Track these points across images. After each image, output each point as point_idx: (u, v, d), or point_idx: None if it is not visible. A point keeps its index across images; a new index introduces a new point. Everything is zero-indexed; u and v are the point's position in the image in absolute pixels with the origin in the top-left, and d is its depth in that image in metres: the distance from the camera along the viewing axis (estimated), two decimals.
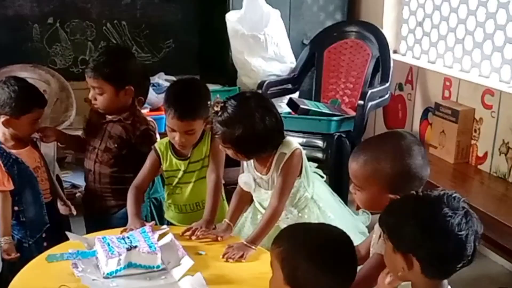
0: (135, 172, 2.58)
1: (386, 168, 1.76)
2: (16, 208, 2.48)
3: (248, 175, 2.40)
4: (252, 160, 2.38)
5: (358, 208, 1.94)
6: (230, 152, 2.29)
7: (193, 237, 2.26)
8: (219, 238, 2.27)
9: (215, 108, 2.24)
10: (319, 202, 2.46)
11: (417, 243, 1.44)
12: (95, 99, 2.58)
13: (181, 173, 2.52)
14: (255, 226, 2.36)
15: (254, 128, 2.21)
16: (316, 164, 2.61)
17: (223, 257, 2.15)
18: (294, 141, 2.38)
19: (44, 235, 2.56)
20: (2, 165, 2.42)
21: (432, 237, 1.43)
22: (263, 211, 2.42)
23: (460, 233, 1.43)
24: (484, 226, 2.80)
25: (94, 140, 2.67)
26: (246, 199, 2.49)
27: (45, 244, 2.50)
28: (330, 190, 2.65)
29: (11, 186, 2.43)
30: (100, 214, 2.70)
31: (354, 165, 1.82)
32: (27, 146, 2.60)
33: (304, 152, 2.37)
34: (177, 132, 2.39)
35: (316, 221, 2.32)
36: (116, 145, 2.60)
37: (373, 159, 1.78)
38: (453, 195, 1.48)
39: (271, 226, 2.27)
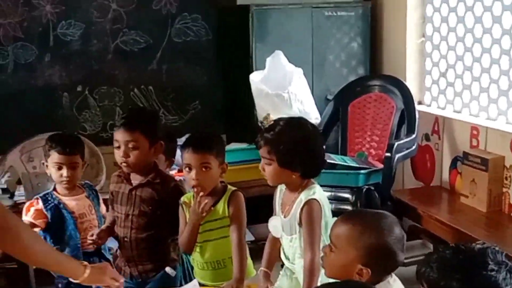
0: (170, 232, 2.62)
1: (370, 239, 1.77)
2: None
3: (277, 218, 2.41)
4: (281, 198, 2.39)
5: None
6: (268, 170, 2.29)
7: None
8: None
9: (265, 124, 2.30)
10: None
11: None
12: (127, 156, 2.55)
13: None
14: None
15: (304, 138, 2.27)
16: None
17: None
18: (319, 190, 2.35)
19: None
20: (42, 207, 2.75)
21: None
22: (284, 259, 2.42)
23: None
24: None
25: (125, 208, 2.65)
26: (278, 246, 2.47)
27: None
28: None
29: (40, 225, 2.72)
30: (140, 278, 2.67)
31: (342, 225, 1.84)
32: (80, 194, 2.86)
33: (327, 207, 2.34)
34: (193, 170, 2.42)
35: None
36: (150, 208, 2.59)
37: (361, 226, 1.80)
38: (496, 249, 1.45)
39: (314, 281, 2.21)
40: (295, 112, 4.11)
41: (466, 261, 1.42)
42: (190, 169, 2.45)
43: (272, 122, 2.33)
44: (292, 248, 2.36)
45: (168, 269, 2.61)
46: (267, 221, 2.66)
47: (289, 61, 4.17)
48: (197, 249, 2.55)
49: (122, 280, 2.20)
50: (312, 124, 2.42)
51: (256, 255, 3.31)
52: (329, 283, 1.53)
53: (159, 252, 2.62)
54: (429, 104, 4.41)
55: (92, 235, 2.67)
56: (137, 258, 2.64)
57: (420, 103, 4.38)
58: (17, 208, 3.41)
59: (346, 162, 3.85)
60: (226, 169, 2.54)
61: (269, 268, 2.38)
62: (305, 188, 2.31)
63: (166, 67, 4.71)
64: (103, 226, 2.77)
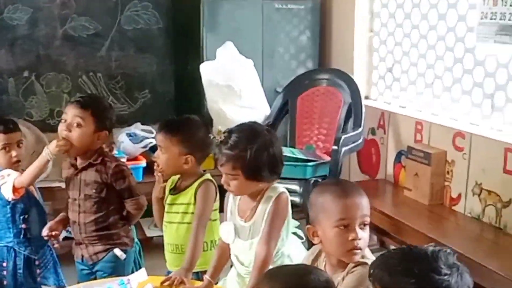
0: (119, 213, 2.70)
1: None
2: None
3: (229, 223, 2.37)
4: (237, 204, 2.37)
5: None
6: (234, 184, 2.26)
7: None
8: None
9: (219, 138, 2.26)
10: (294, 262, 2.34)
11: None
12: (69, 130, 2.61)
13: (167, 207, 2.59)
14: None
15: (266, 146, 2.24)
16: (298, 223, 2.56)
17: None
18: (281, 187, 2.36)
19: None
20: None
21: None
22: (238, 265, 2.39)
23: None
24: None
25: (71, 192, 2.74)
26: (228, 254, 2.44)
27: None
28: None
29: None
30: (91, 261, 2.74)
31: (364, 199, 1.91)
32: None
33: (289, 199, 2.35)
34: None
35: None
36: (94, 190, 2.67)
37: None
38: (448, 251, 1.48)
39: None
40: (244, 103, 4.14)
41: (419, 266, 1.43)
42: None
43: (226, 134, 2.27)
44: (252, 252, 2.30)
45: (116, 251, 2.69)
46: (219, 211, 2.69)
47: (240, 53, 4.18)
48: (164, 228, 2.63)
49: None
50: (266, 128, 2.40)
51: None
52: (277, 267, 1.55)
53: (109, 235, 2.70)
54: (375, 98, 4.49)
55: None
56: (87, 241, 2.71)
57: (367, 97, 4.46)
58: None
59: (294, 154, 3.90)
60: (189, 162, 2.55)
61: (214, 277, 2.34)
62: (266, 191, 2.31)
63: (116, 55, 4.67)
64: (57, 218, 2.79)
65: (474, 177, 3.46)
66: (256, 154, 2.21)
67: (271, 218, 2.27)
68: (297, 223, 2.54)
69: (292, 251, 2.42)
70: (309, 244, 2.56)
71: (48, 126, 4.42)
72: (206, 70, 4.12)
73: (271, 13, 4.48)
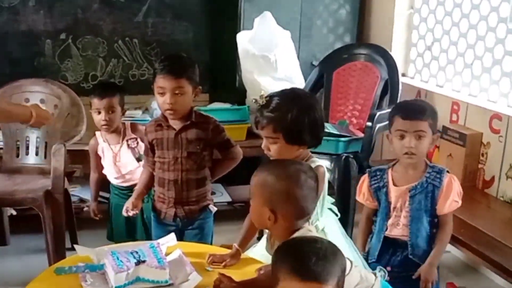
0: (212, 170, 2.83)
1: (272, 184, 1.88)
2: None
3: None
4: None
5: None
6: (274, 148, 2.26)
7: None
8: (224, 263, 2.23)
9: (261, 102, 2.26)
10: (329, 238, 2.26)
11: None
12: (174, 102, 2.63)
13: None
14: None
15: (307, 109, 2.23)
16: (333, 200, 2.55)
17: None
18: (321, 161, 2.34)
19: None
20: None
21: None
22: None
23: None
24: (490, 249, 2.82)
25: (172, 152, 2.75)
26: None
27: None
28: (343, 232, 2.59)
29: None
30: (186, 218, 2.79)
31: (254, 175, 1.96)
32: None
33: (327, 175, 2.32)
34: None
35: None
36: (198, 147, 2.73)
37: (266, 173, 1.91)
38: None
39: None
40: (279, 75, 4.11)
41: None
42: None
43: (267, 98, 2.26)
44: None
45: (211, 207, 2.82)
46: (244, 183, 2.68)
47: (277, 23, 4.14)
48: None
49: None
50: (307, 92, 2.42)
51: (232, 217, 3.35)
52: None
53: (204, 193, 2.80)
54: (412, 76, 4.43)
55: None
56: (185, 199, 2.77)
57: (404, 75, 4.40)
58: None
59: (327, 128, 3.85)
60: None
61: (242, 246, 2.32)
62: (307, 161, 2.27)
63: (152, 21, 4.66)
64: (134, 195, 2.83)
65: (509, 160, 3.41)
66: (297, 117, 2.20)
67: None
68: (332, 199, 2.53)
69: (327, 226, 2.40)
70: (336, 203, 2.58)
71: (82, 90, 4.44)
72: (243, 39, 4.10)
73: None
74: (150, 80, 4.54)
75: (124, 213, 2.76)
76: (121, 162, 3.23)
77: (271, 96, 2.28)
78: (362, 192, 2.70)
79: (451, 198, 2.52)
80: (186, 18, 4.72)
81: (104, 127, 3.19)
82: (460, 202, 2.55)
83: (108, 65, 4.63)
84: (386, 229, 2.61)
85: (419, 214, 2.54)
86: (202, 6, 4.74)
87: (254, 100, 2.33)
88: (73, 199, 3.87)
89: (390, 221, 2.60)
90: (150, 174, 2.86)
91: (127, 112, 3.85)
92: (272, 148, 2.27)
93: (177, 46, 4.73)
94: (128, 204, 2.77)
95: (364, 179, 2.70)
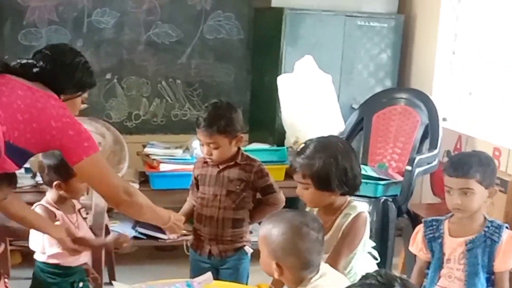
0: (252, 213, 2.84)
1: (275, 237, 1.89)
2: None
3: None
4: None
5: None
6: (305, 193, 2.29)
7: None
8: None
9: (295, 148, 2.31)
10: None
11: None
12: (211, 154, 2.72)
13: None
14: None
15: (336, 156, 2.25)
16: (374, 244, 2.51)
17: None
18: (362, 206, 2.35)
19: None
20: None
21: None
22: None
23: None
24: None
25: (213, 188, 2.80)
26: None
27: None
28: None
29: None
30: (219, 257, 2.81)
31: (261, 225, 1.99)
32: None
33: (369, 221, 2.32)
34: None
35: None
36: (238, 187, 2.76)
37: (271, 225, 1.93)
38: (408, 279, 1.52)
39: None
40: (319, 118, 4.13)
41: None
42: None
43: (303, 145, 2.32)
44: None
45: (247, 248, 2.83)
46: None
47: (319, 67, 4.18)
48: None
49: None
50: (342, 141, 2.41)
51: None
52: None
53: (240, 234, 2.81)
54: (453, 121, 4.40)
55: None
56: (220, 237, 2.79)
57: (444, 119, 4.38)
58: (37, 188, 3.48)
59: (366, 171, 3.85)
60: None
61: (277, 286, 2.23)
62: (345, 208, 2.30)
63: (196, 63, 4.76)
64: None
65: None
66: (325, 163, 2.23)
67: (346, 233, 2.26)
68: (373, 243, 2.51)
69: (365, 270, 2.37)
70: (381, 266, 2.53)
71: (126, 128, 4.55)
72: (284, 82, 4.15)
73: (353, 29, 4.47)
74: (191, 120, 4.65)
75: (171, 236, 2.84)
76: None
77: (306, 143, 2.33)
78: (416, 242, 2.60)
79: (509, 255, 2.42)
80: (228, 60, 4.81)
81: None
82: None
83: (151, 104, 4.73)
84: (438, 280, 2.52)
85: (476, 269, 2.44)
86: (245, 49, 4.83)
87: (289, 147, 2.37)
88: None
89: (442, 272, 2.50)
90: (191, 206, 2.90)
91: (167, 151, 3.92)
92: (304, 193, 2.30)
93: (219, 87, 4.82)
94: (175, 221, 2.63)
95: (419, 229, 2.60)
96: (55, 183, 2.57)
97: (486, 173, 2.43)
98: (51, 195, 2.61)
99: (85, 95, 2.43)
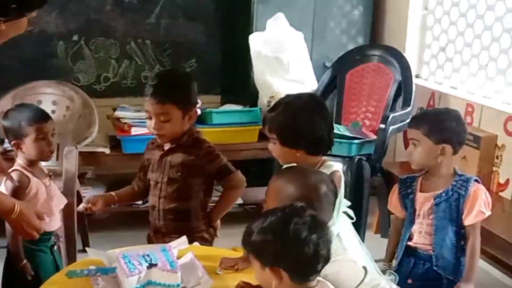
0: (202, 204, 2.56)
1: (290, 189, 1.87)
2: None
3: None
4: None
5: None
6: (272, 148, 2.26)
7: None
8: (236, 267, 2.19)
9: (270, 105, 2.29)
10: (344, 244, 2.19)
11: (280, 256, 1.58)
12: (160, 128, 2.43)
13: None
14: None
15: (298, 115, 2.21)
16: (349, 203, 2.48)
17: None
18: (336, 165, 2.32)
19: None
20: None
21: (290, 246, 1.57)
22: None
23: (312, 236, 1.58)
24: (504, 253, 2.78)
25: (155, 174, 2.55)
26: None
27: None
28: (358, 238, 2.54)
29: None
30: None
31: (271, 180, 1.96)
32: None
33: (343, 179, 2.29)
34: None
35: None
36: (179, 174, 2.49)
37: (286, 179, 1.91)
38: (299, 206, 1.64)
39: None
40: (292, 77, 4.09)
41: (276, 222, 1.61)
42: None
43: (276, 101, 2.30)
44: None
45: (196, 244, 2.41)
46: (256, 185, 2.66)
47: (290, 25, 4.13)
48: None
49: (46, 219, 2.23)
50: (314, 98, 2.38)
51: (244, 219, 3.30)
52: None
53: (188, 226, 2.49)
54: (426, 78, 4.39)
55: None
56: (164, 230, 2.53)
57: (417, 76, 4.37)
58: (5, 155, 3.40)
59: (340, 130, 3.84)
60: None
61: None
62: (320, 167, 2.25)
63: (165, 22, 4.65)
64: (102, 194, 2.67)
65: None
66: (287, 118, 2.21)
67: None
68: (348, 203, 2.50)
69: (342, 231, 2.36)
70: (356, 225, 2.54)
71: (95, 91, 4.46)
72: (255, 41, 4.08)
73: None
74: None
75: (81, 208, 2.50)
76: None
77: (281, 99, 2.32)
78: (393, 201, 2.64)
79: (476, 208, 2.43)
80: (198, 19, 4.71)
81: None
82: (487, 212, 2.45)
83: (120, 66, 4.63)
84: (410, 237, 2.55)
85: (444, 223, 2.46)
86: (215, 8, 4.73)
87: (262, 108, 2.34)
88: None
89: (413, 228, 2.53)
90: (131, 190, 2.67)
91: (138, 114, 3.86)
92: (272, 148, 2.27)
93: (189, 47, 4.73)
94: (88, 198, 2.53)
95: (395, 187, 2.63)
96: (13, 142, 2.48)
97: (436, 127, 2.45)
98: (21, 158, 2.51)
99: (34, 13, 1.94)
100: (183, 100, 2.44)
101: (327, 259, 1.62)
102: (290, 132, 2.22)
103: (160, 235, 2.55)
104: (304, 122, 2.23)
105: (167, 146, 2.52)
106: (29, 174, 2.48)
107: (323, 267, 1.62)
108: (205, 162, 2.49)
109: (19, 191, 2.40)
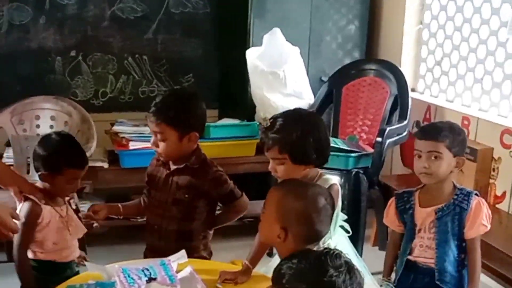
0: (203, 226, 2.52)
1: (290, 202, 1.88)
2: None
3: None
4: None
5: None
6: (281, 169, 2.24)
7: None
8: (235, 281, 2.19)
9: (265, 124, 2.25)
10: None
11: None
12: (157, 146, 2.43)
13: None
14: None
15: (311, 129, 2.23)
16: (345, 217, 2.51)
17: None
18: (334, 178, 2.33)
19: None
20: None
21: None
22: None
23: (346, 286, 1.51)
24: (502, 265, 2.78)
25: (159, 194, 2.52)
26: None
27: None
28: (354, 250, 2.56)
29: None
30: None
31: (272, 190, 1.96)
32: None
33: (340, 193, 2.30)
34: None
35: None
36: (186, 195, 2.45)
37: (285, 191, 1.92)
38: (336, 253, 1.56)
39: None
40: (289, 91, 4.11)
41: (308, 270, 1.53)
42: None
43: (271, 120, 2.26)
44: None
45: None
46: (254, 199, 2.66)
47: (287, 40, 4.15)
48: None
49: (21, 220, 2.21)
50: (310, 112, 2.41)
51: (241, 233, 3.31)
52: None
53: (189, 247, 2.42)
54: (422, 91, 4.42)
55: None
56: (163, 249, 2.40)
57: (413, 90, 4.40)
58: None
59: (337, 144, 3.85)
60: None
61: (253, 263, 2.28)
62: (317, 181, 2.27)
63: (162, 38, 4.67)
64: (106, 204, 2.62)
65: None
66: (302, 136, 2.21)
67: None
68: (345, 216, 2.51)
69: (338, 244, 2.37)
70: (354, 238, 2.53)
71: (93, 106, 4.47)
72: (252, 56, 4.11)
73: (320, 1, 4.43)
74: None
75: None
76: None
77: (274, 118, 2.28)
78: (389, 215, 2.63)
79: (478, 222, 2.44)
80: (195, 34, 4.73)
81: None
82: (488, 226, 2.46)
83: (118, 82, 4.65)
84: (410, 252, 2.54)
85: (446, 237, 2.46)
86: (212, 23, 4.75)
87: (258, 124, 2.32)
88: (83, 214, 3.86)
89: (414, 242, 2.52)
90: (138, 205, 2.66)
91: (136, 129, 3.87)
92: (279, 169, 2.26)
93: (187, 62, 4.75)
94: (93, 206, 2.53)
95: (391, 202, 2.62)
96: (39, 172, 2.41)
97: (455, 140, 2.45)
98: (40, 184, 2.43)
99: None
100: (178, 122, 2.39)
101: None
102: (304, 150, 2.22)
103: (158, 255, 2.39)
104: (316, 136, 2.24)
105: (173, 166, 2.49)
106: (42, 203, 2.37)
107: None
108: (211, 187, 2.47)
109: (30, 221, 2.33)
